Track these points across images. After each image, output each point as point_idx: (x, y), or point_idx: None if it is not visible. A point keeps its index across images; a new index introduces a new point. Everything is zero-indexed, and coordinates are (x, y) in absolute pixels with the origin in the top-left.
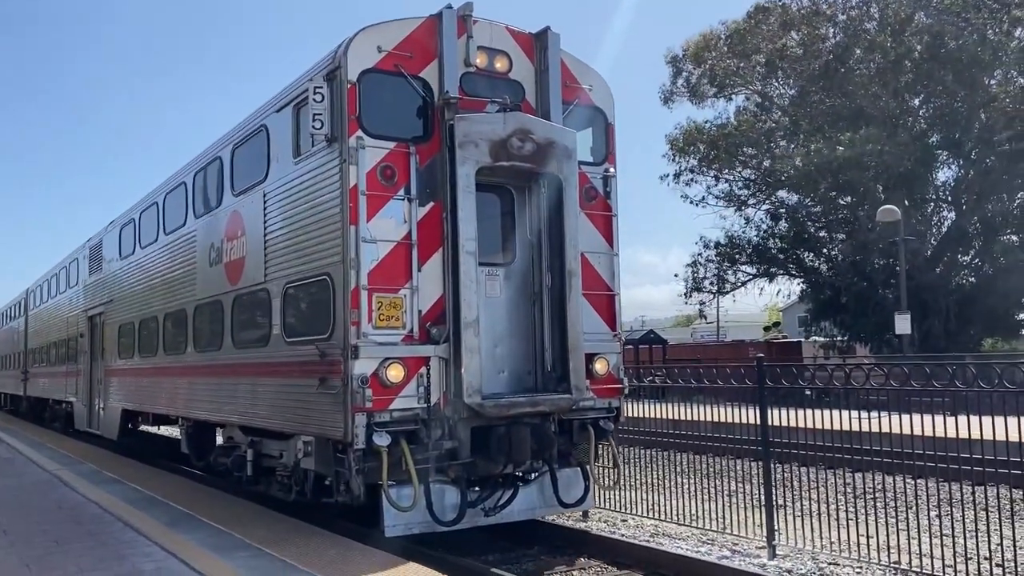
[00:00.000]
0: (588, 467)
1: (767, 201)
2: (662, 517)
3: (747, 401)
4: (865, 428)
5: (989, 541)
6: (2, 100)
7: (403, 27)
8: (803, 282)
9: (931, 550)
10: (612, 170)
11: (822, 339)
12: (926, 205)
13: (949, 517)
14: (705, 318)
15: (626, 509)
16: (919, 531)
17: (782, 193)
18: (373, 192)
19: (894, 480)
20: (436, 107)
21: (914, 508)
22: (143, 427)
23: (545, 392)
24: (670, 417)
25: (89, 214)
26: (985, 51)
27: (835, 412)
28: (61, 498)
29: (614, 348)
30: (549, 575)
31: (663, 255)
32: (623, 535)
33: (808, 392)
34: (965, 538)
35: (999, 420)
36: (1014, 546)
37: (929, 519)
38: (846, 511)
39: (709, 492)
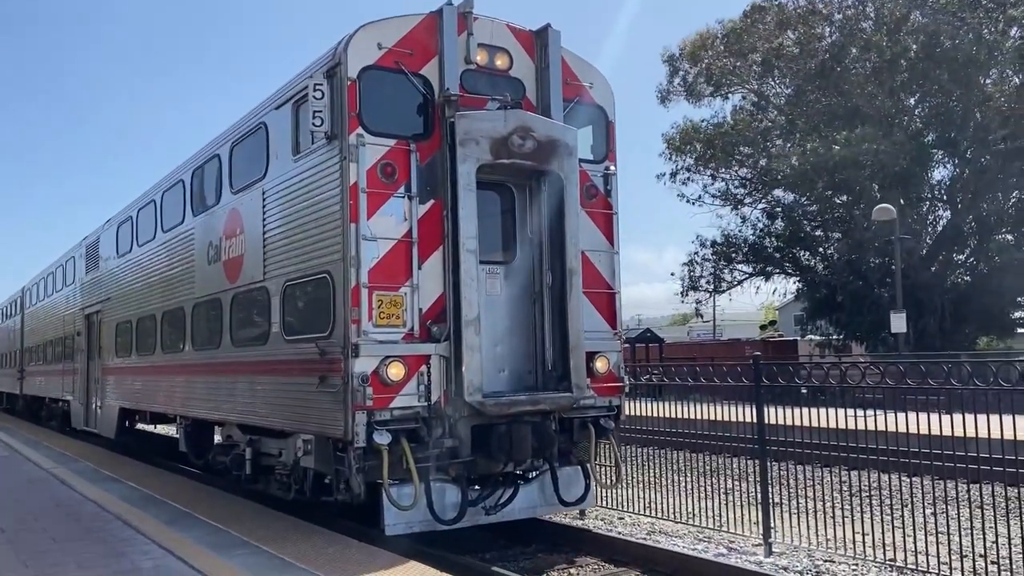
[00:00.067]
0: (589, 466)
1: (763, 200)
2: (659, 515)
3: (743, 399)
4: (861, 426)
5: (984, 538)
6: (2, 100)
7: (403, 24)
8: (799, 281)
9: (926, 547)
10: (612, 168)
11: (818, 338)
12: (922, 204)
13: (944, 515)
14: (701, 317)
15: (623, 507)
16: (914, 528)
17: (778, 192)
18: (373, 190)
19: (889, 478)
20: (437, 104)
21: (909, 506)
22: (140, 426)
23: (546, 390)
24: (667, 415)
25: (89, 214)
26: (981, 50)
27: (831, 410)
28: (58, 496)
29: (614, 346)
30: (547, 573)
31: (659, 254)
32: (620, 533)
33: (804, 390)
34: (960, 535)
35: (994, 418)
36: (1009, 543)
37: (924, 517)
38: (842, 509)
39: (705, 490)
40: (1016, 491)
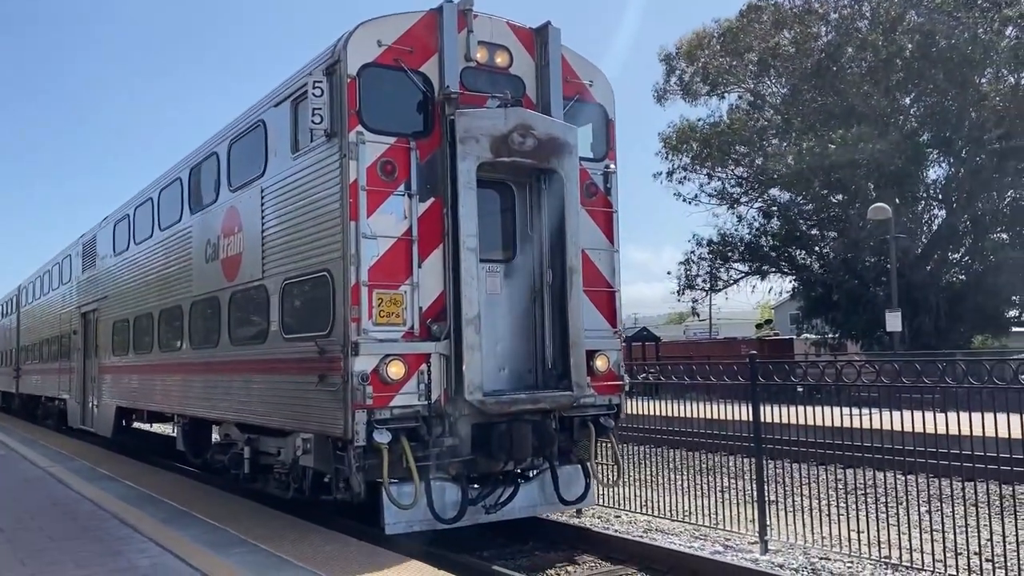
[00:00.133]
0: (589, 464)
1: (759, 199)
2: (655, 513)
3: (740, 398)
4: (856, 424)
5: (979, 536)
6: (2, 100)
7: (403, 21)
8: (795, 280)
9: (921, 545)
10: (612, 166)
11: (814, 336)
12: (917, 203)
13: (939, 512)
14: (698, 316)
15: (620, 505)
16: (909, 526)
17: (774, 191)
18: (373, 187)
19: (885, 476)
20: (436, 102)
21: (905, 504)
22: (136, 424)
23: (546, 389)
24: (663, 414)
25: (89, 213)
26: (976, 50)
27: (827, 409)
28: (55, 495)
29: (614, 345)
30: (546, 571)
31: (656, 253)
32: (617, 531)
33: (800, 389)
34: (955, 533)
35: (989, 416)
36: (1004, 541)
37: (919, 514)
38: (837, 507)
39: (702, 488)
40: (1010, 489)
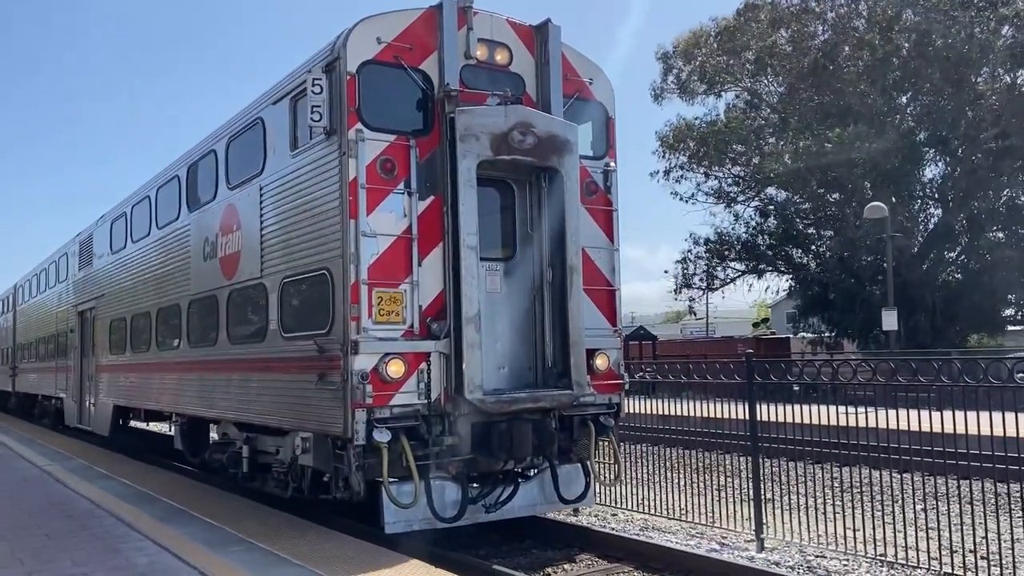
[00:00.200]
0: (589, 463)
1: (756, 198)
2: (652, 511)
3: (736, 397)
4: (852, 423)
5: (974, 534)
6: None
7: (403, 18)
8: (791, 278)
9: (916, 543)
10: (612, 164)
11: (810, 335)
12: (913, 202)
13: (935, 510)
14: (695, 314)
15: (616, 504)
16: (905, 524)
17: (771, 190)
18: (373, 185)
19: (880, 474)
20: (436, 100)
21: (900, 502)
22: (133, 423)
23: (546, 388)
24: (660, 413)
25: (89, 212)
26: (972, 49)
27: (823, 407)
28: (52, 493)
29: (615, 344)
30: (543, 569)
31: (652, 251)
32: (613, 529)
33: (796, 388)
34: (950, 531)
35: (984, 415)
36: (999, 539)
37: (915, 512)
38: (833, 505)
39: (698, 487)
40: (1006, 487)
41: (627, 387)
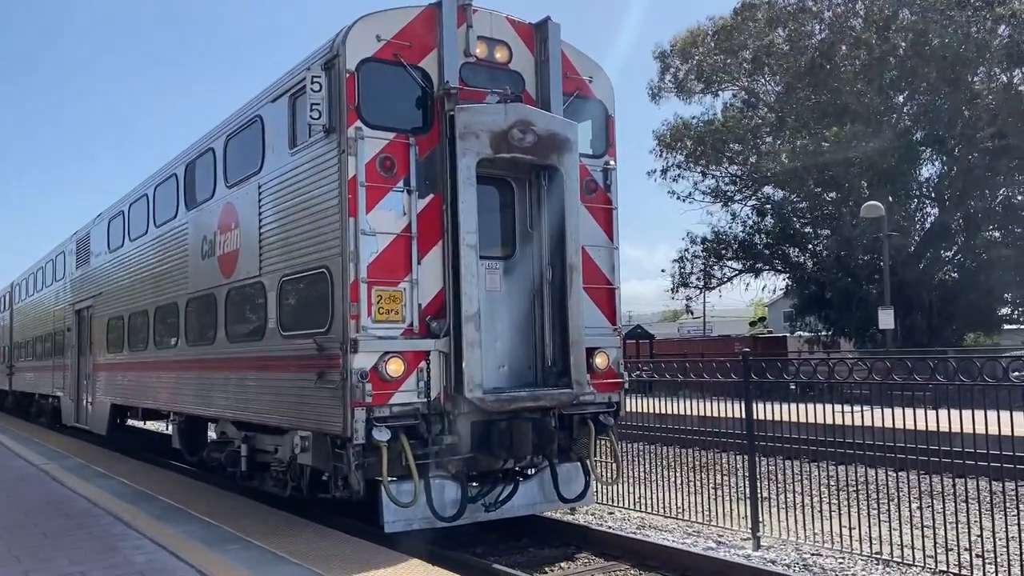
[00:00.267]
0: (588, 462)
1: (753, 197)
2: (649, 510)
3: (733, 395)
4: (848, 421)
5: (969, 532)
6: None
7: (402, 16)
8: (788, 277)
9: (912, 541)
10: (612, 163)
11: (807, 334)
12: (910, 201)
13: (930, 509)
14: (692, 313)
15: (613, 502)
16: (900, 522)
17: (768, 189)
18: (372, 184)
19: (876, 472)
20: (436, 98)
21: (896, 500)
22: (131, 422)
23: (546, 387)
24: (657, 411)
25: (90, 212)
26: (969, 49)
27: (819, 406)
28: (49, 492)
29: (614, 342)
30: (541, 567)
31: (649, 250)
32: (610, 527)
33: (792, 386)
34: (946, 529)
35: (979, 413)
36: (994, 537)
37: (910, 510)
38: (829, 503)
39: (695, 485)
40: (1001, 485)
41: (627, 386)
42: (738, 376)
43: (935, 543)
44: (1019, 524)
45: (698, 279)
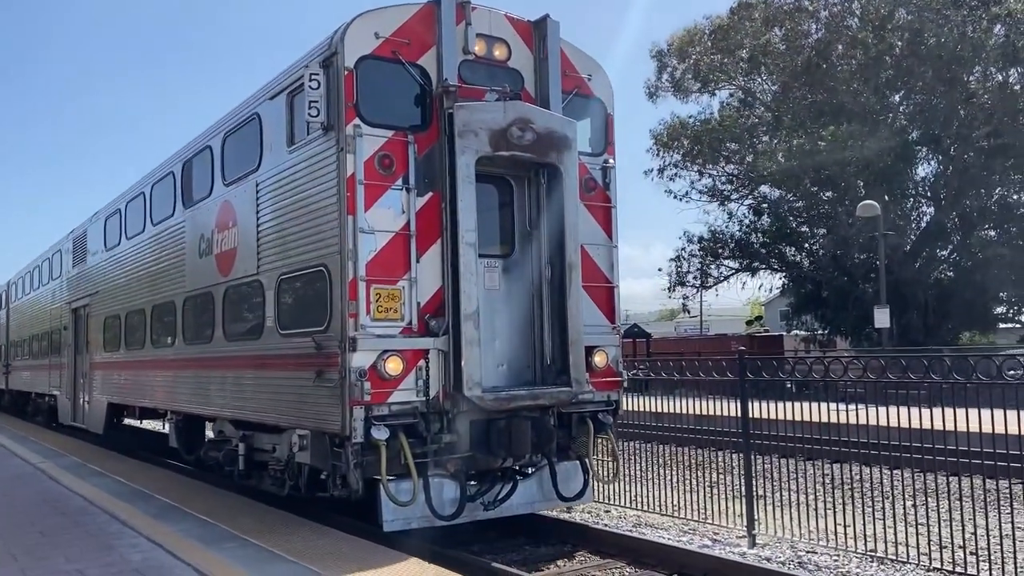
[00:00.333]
0: (587, 461)
1: (750, 196)
2: (645, 508)
3: (729, 394)
4: (843, 420)
5: (963, 530)
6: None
7: (401, 13)
8: (785, 276)
9: (907, 538)
10: (611, 161)
11: (803, 333)
12: (905, 200)
13: (925, 506)
14: (688, 312)
15: (610, 500)
16: (895, 520)
17: (764, 188)
18: (371, 181)
19: (871, 470)
20: (435, 95)
21: (891, 498)
22: (128, 421)
23: (545, 385)
24: (653, 410)
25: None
26: (965, 48)
27: (814, 404)
28: (45, 491)
29: (613, 341)
30: (537, 565)
31: (646, 249)
32: (607, 525)
33: (788, 385)
34: (940, 527)
35: (974, 412)
36: (987, 534)
37: (905, 508)
38: (824, 501)
39: (691, 483)
40: (995, 483)
41: (626, 384)
42: (734, 375)
43: (929, 540)
44: (1012, 521)
45: (695, 278)
